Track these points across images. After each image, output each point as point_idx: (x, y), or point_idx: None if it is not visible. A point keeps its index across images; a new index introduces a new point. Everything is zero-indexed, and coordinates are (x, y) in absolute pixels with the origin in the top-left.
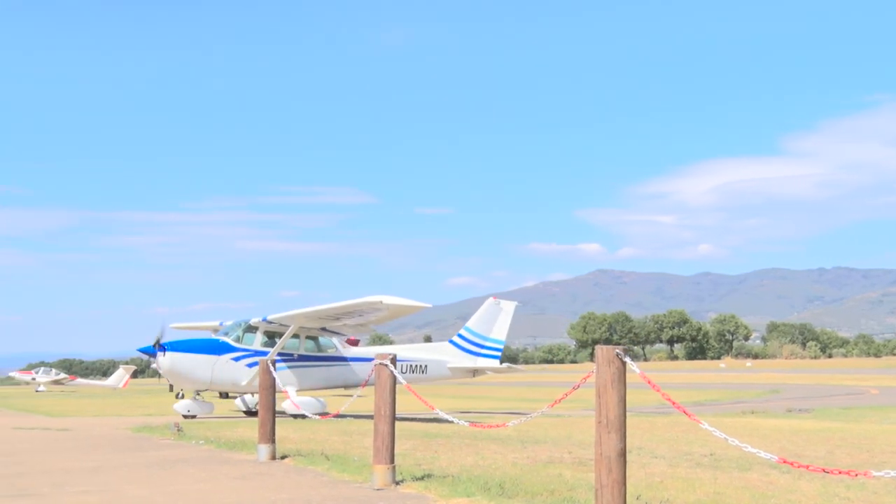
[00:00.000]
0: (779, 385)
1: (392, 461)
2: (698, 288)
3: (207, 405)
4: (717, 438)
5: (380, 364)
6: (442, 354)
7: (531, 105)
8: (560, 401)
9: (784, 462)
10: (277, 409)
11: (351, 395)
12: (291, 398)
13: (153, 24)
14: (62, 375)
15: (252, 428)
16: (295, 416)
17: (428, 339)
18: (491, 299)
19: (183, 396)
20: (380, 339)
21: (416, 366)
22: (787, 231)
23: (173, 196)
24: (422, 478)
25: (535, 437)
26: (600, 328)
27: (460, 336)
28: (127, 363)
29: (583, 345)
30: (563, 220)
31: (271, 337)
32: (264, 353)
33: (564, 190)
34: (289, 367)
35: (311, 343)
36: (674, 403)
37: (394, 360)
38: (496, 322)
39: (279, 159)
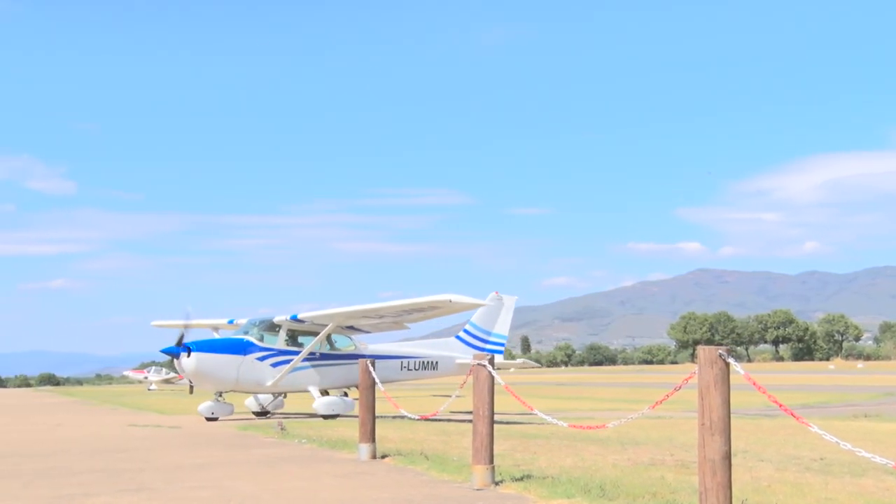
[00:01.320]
0: (893, 388)
1: (491, 462)
2: (804, 287)
3: (228, 406)
4: (827, 442)
5: (478, 364)
6: (450, 350)
7: (629, 103)
8: (661, 402)
9: None
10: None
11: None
12: (318, 398)
13: (255, 29)
14: (172, 375)
15: (352, 427)
16: (326, 417)
17: (525, 340)
18: (493, 294)
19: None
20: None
21: (428, 362)
22: None
23: (277, 199)
24: (521, 479)
25: (636, 439)
26: (701, 328)
27: (465, 331)
28: None
29: (683, 345)
30: (663, 218)
31: (293, 336)
32: (288, 352)
33: (663, 188)
34: (312, 367)
35: (329, 342)
36: (780, 405)
37: (492, 361)
38: (499, 317)
39: (379, 161)
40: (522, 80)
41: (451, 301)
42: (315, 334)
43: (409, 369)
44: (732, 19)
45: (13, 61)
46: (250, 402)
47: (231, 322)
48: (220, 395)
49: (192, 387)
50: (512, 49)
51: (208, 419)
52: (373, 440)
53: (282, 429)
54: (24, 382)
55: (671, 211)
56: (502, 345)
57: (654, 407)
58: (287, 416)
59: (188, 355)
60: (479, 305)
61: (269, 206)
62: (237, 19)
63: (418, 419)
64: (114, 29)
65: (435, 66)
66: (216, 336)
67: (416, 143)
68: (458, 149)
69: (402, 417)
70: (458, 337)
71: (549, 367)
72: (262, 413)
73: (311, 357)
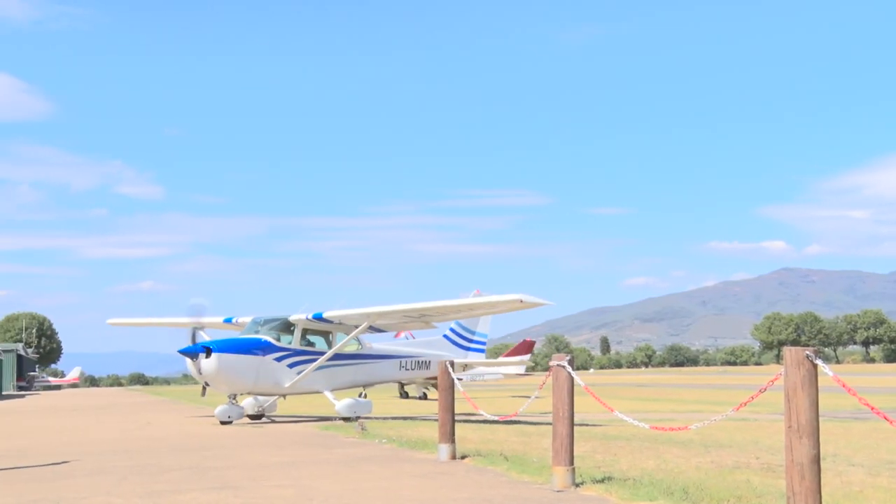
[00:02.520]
0: None
1: (571, 463)
2: None
3: (240, 409)
4: None
5: (557, 366)
6: (440, 349)
7: (710, 99)
8: (746, 404)
9: None
10: (320, 412)
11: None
12: (332, 399)
13: (332, 31)
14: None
15: (432, 428)
16: (346, 419)
17: (604, 340)
18: (475, 292)
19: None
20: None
21: (423, 361)
22: None
23: (356, 201)
24: (602, 480)
25: (720, 441)
26: (786, 329)
27: (452, 330)
28: None
29: (768, 346)
30: (745, 217)
31: (305, 335)
32: (304, 353)
33: (746, 186)
34: (325, 367)
35: (325, 341)
36: (872, 408)
37: (571, 362)
38: (481, 317)
39: (457, 163)
40: (600, 78)
41: (521, 301)
42: (325, 333)
43: (406, 369)
44: (817, 13)
45: (104, 71)
46: (248, 404)
47: (229, 321)
48: (234, 398)
49: (204, 389)
50: (589, 48)
51: (223, 423)
52: (452, 441)
53: (362, 429)
54: (116, 382)
55: (754, 209)
56: (484, 344)
57: (738, 409)
58: (289, 419)
59: (208, 356)
60: (545, 305)
61: (348, 209)
62: (313, 22)
63: (498, 420)
64: (197, 37)
65: (513, 67)
66: (205, 336)
67: (495, 144)
68: (536, 149)
69: (358, 419)
70: (445, 336)
71: (629, 367)
72: (258, 416)
73: (310, 357)
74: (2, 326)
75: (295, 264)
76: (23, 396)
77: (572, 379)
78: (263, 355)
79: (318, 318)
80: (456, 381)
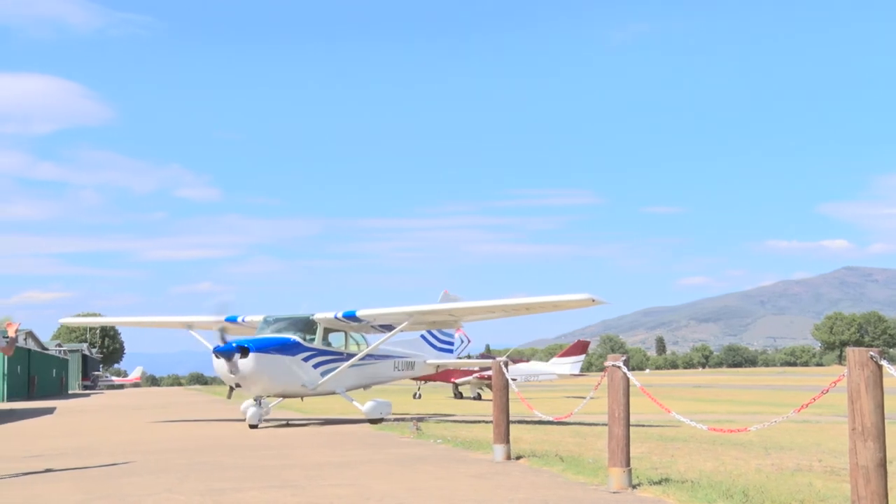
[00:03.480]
0: None
1: (628, 464)
2: None
3: (264, 410)
4: None
5: (612, 366)
6: (421, 350)
7: (765, 94)
8: (807, 405)
9: None
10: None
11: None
12: (349, 399)
13: (387, 34)
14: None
15: (486, 428)
16: (373, 421)
17: (660, 341)
18: (444, 292)
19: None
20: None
21: (410, 362)
22: None
23: (409, 202)
24: (659, 482)
25: (780, 444)
26: (849, 329)
27: (428, 331)
28: None
29: (829, 347)
30: (805, 215)
31: (326, 334)
32: (327, 353)
33: (806, 183)
34: (336, 368)
35: (341, 340)
36: None
37: (627, 362)
38: None
39: (510, 163)
40: (651, 76)
41: (593, 300)
42: (342, 332)
43: (398, 369)
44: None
45: (162, 76)
46: (247, 407)
47: (233, 320)
48: (258, 401)
49: (232, 390)
50: (638, 45)
51: (252, 427)
52: (507, 441)
53: (417, 429)
54: (176, 382)
55: (814, 207)
56: (452, 344)
57: (799, 410)
58: (303, 421)
59: (244, 355)
60: (607, 304)
61: (401, 210)
62: (363, 23)
63: (553, 421)
64: (251, 42)
65: (564, 65)
66: (197, 336)
67: (548, 144)
68: (589, 148)
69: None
70: (422, 336)
71: (685, 368)
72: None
73: (339, 357)
74: (67, 327)
75: (349, 265)
76: (87, 395)
77: (628, 379)
78: (293, 355)
79: (351, 316)
80: (510, 382)
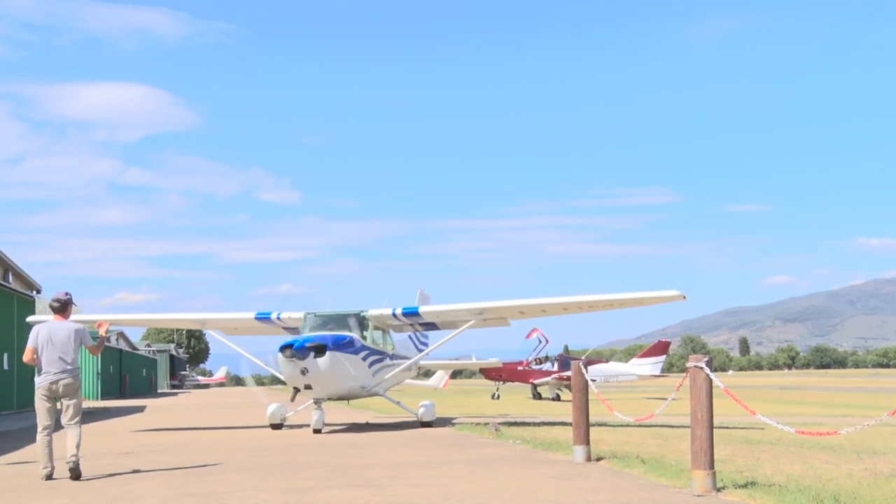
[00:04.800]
0: None
1: (711, 467)
2: None
3: (285, 411)
4: None
5: (695, 367)
6: (408, 351)
7: (852, 87)
8: None
9: None
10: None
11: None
12: (391, 401)
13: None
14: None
15: (566, 429)
16: (424, 424)
17: (743, 341)
18: (420, 291)
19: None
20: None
21: (410, 364)
22: None
23: (488, 203)
24: (744, 485)
25: (874, 448)
26: None
27: (414, 333)
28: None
29: None
30: None
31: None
32: (378, 352)
33: None
34: (384, 368)
35: (381, 339)
36: None
37: (710, 363)
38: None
39: (589, 162)
40: (733, 72)
41: (684, 297)
42: (382, 331)
43: (409, 370)
44: None
45: (245, 82)
46: (275, 411)
47: (265, 316)
48: (319, 403)
49: (297, 392)
50: (722, 42)
51: (316, 432)
52: (587, 442)
53: (496, 430)
54: (259, 381)
55: None
56: (427, 346)
57: (894, 414)
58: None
59: (321, 353)
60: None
61: (480, 210)
62: (440, 24)
63: (634, 422)
64: (330, 47)
65: (643, 63)
66: (218, 336)
67: (627, 142)
68: (668, 146)
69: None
70: (409, 336)
71: (770, 369)
72: (279, 425)
73: (385, 357)
74: (155, 328)
75: (427, 266)
76: (175, 394)
77: (711, 380)
78: (357, 354)
79: (412, 313)
80: (590, 383)
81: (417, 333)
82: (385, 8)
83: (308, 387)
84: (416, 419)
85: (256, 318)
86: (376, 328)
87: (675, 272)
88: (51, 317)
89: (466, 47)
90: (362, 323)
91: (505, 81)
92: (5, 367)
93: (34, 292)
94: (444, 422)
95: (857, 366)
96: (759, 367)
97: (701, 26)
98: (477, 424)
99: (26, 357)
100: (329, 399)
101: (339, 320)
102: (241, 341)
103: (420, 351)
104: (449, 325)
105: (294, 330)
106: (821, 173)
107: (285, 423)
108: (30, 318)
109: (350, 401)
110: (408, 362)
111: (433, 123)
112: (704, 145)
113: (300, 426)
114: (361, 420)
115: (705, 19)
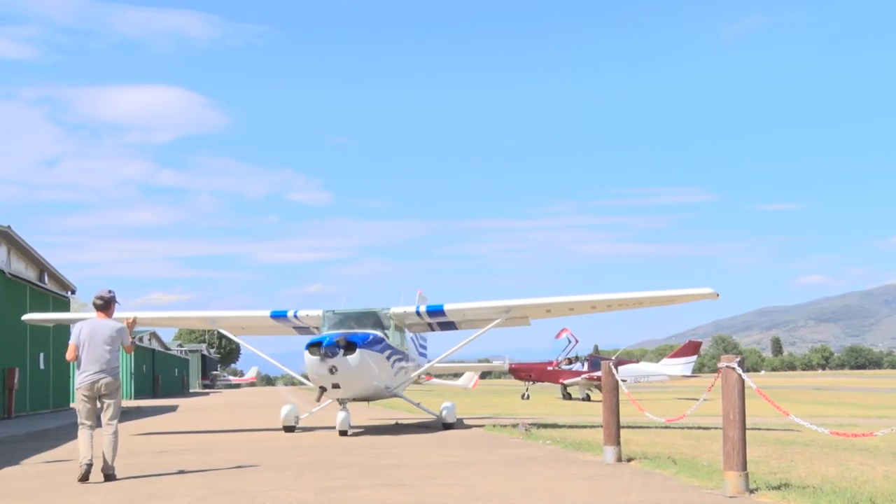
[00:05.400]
0: None
1: (744, 468)
2: None
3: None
4: None
5: (727, 367)
6: (415, 353)
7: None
8: None
9: None
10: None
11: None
12: (411, 402)
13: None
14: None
15: (596, 430)
16: (447, 426)
17: (776, 341)
18: (419, 292)
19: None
20: None
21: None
22: None
23: (516, 203)
24: (778, 487)
25: None
26: None
27: (416, 335)
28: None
29: None
30: None
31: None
32: (399, 351)
33: None
34: (403, 369)
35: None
36: None
37: (742, 363)
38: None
39: (617, 161)
40: (764, 70)
41: (717, 295)
42: (399, 329)
43: (417, 371)
44: None
45: (276, 84)
46: (288, 413)
47: (281, 315)
48: (344, 404)
49: (323, 392)
50: (753, 39)
51: (342, 434)
52: (618, 443)
53: (526, 430)
54: (290, 381)
55: None
56: (426, 347)
57: None
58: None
59: (351, 351)
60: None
61: (508, 210)
62: (472, 29)
63: (665, 422)
64: (360, 48)
65: (674, 61)
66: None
67: (656, 141)
68: (698, 145)
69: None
70: (412, 338)
71: (803, 370)
72: (292, 427)
73: (402, 356)
74: (187, 329)
75: (456, 266)
76: (207, 394)
77: (743, 381)
78: (382, 352)
79: (437, 311)
80: (620, 383)
81: (418, 335)
82: (413, 9)
83: (336, 386)
84: (437, 420)
85: (272, 317)
86: (396, 328)
87: (705, 272)
88: (93, 314)
89: (495, 47)
90: (383, 322)
91: (534, 81)
92: (41, 366)
93: (69, 293)
94: (471, 422)
95: (892, 366)
96: (792, 367)
97: (732, 24)
98: (503, 426)
99: (69, 354)
100: (354, 399)
101: (361, 318)
102: (258, 341)
103: (421, 354)
104: (470, 324)
105: (306, 329)
106: (854, 171)
107: (298, 426)
108: (25, 317)
109: (370, 402)
110: (427, 364)
111: (462, 124)
112: (737, 144)
113: (316, 428)
114: (382, 421)
115: (737, 17)
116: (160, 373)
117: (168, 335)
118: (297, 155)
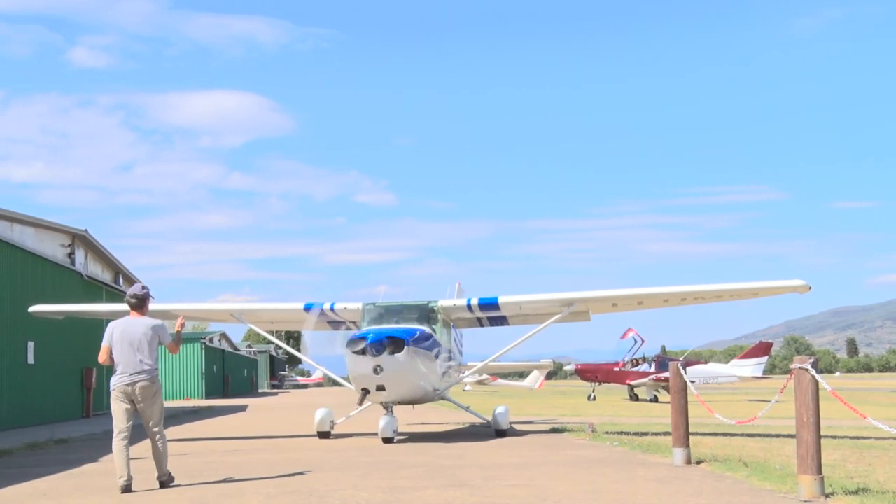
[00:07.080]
0: None
1: (819, 472)
2: None
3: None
4: None
5: (800, 368)
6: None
7: None
8: None
9: None
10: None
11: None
12: (470, 409)
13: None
14: (485, 376)
15: (665, 431)
16: (499, 433)
17: (851, 342)
18: (457, 284)
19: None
20: None
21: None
22: None
23: (581, 202)
24: (855, 492)
25: None
26: None
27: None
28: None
29: None
30: None
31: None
32: (448, 350)
33: None
34: (451, 369)
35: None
36: None
37: (815, 364)
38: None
39: (685, 159)
40: (839, 64)
41: (809, 287)
42: (446, 324)
43: (460, 372)
44: None
45: (342, 87)
46: (323, 417)
47: (314, 307)
48: (389, 408)
49: (365, 394)
50: (827, 33)
51: (386, 441)
52: (687, 445)
53: (593, 431)
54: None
55: None
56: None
57: None
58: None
59: (399, 349)
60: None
61: (572, 210)
62: (535, 28)
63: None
64: (424, 49)
65: (744, 56)
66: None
67: (726, 138)
68: (769, 143)
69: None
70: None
71: (881, 371)
72: (327, 433)
73: (450, 355)
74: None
75: (520, 267)
76: (275, 394)
77: (817, 382)
78: (431, 350)
79: (491, 303)
80: (689, 384)
81: (458, 331)
82: (480, 11)
83: (380, 388)
84: (488, 426)
85: (305, 310)
86: (444, 323)
87: (776, 271)
88: (118, 306)
89: (562, 47)
90: (430, 316)
91: (599, 80)
92: None
93: None
94: (538, 425)
95: None
96: (868, 369)
97: (806, 18)
98: (319, 435)
99: (102, 357)
100: (399, 403)
101: (405, 312)
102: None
103: (459, 351)
104: (525, 319)
105: (338, 324)
106: None
107: (333, 432)
108: (32, 308)
109: (415, 405)
110: (479, 364)
111: (526, 124)
112: (807, 141)
113: (354, 434)
114: (427, 428)
115: (811, 10)
116: (230, 373)
117: (237, 336)
118: (363, 157)
